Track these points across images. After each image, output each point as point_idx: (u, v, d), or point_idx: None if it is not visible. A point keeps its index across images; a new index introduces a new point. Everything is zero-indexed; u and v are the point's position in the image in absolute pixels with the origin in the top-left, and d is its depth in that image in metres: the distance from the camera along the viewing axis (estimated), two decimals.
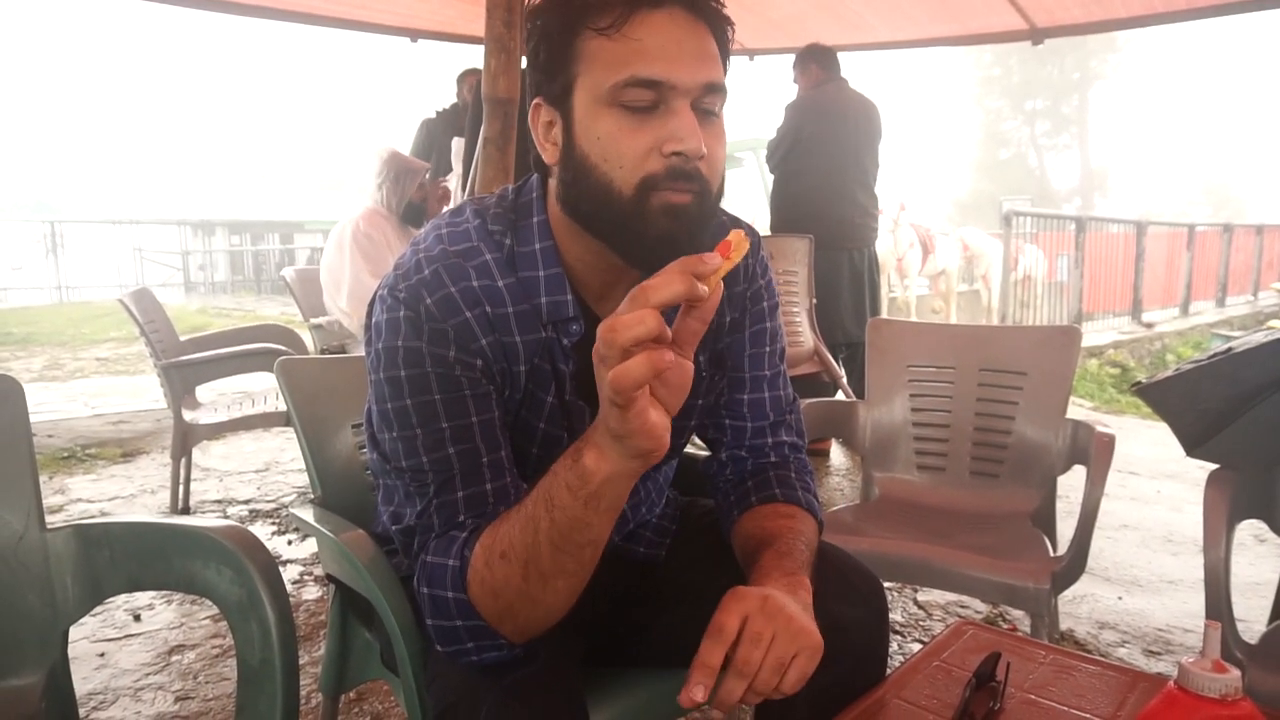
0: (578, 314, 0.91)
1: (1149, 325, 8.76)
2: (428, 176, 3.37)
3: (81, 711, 1.81)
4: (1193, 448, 1.43)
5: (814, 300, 3.71)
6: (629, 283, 0.94)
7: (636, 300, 0.66)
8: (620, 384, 0.65)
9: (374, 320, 0.89)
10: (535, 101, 0.87)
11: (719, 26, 0.84)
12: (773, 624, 0.76)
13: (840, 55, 4.05)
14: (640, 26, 0.79)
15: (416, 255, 0.89)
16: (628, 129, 0.80)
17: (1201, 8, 3.78)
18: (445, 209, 1.00)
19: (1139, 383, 1.41)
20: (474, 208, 0.94)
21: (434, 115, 4.66)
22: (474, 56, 4.90)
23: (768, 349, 1.08)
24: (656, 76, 0.79)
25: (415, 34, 4.78)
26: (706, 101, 0.82)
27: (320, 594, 2.45)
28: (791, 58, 4.03)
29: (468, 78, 4.53)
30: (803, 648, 0.76)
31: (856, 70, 3.92)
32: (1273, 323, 8.69)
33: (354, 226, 3.18)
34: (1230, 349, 1.32)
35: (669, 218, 0.81)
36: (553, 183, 0.89)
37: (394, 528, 0.90)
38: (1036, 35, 4.24)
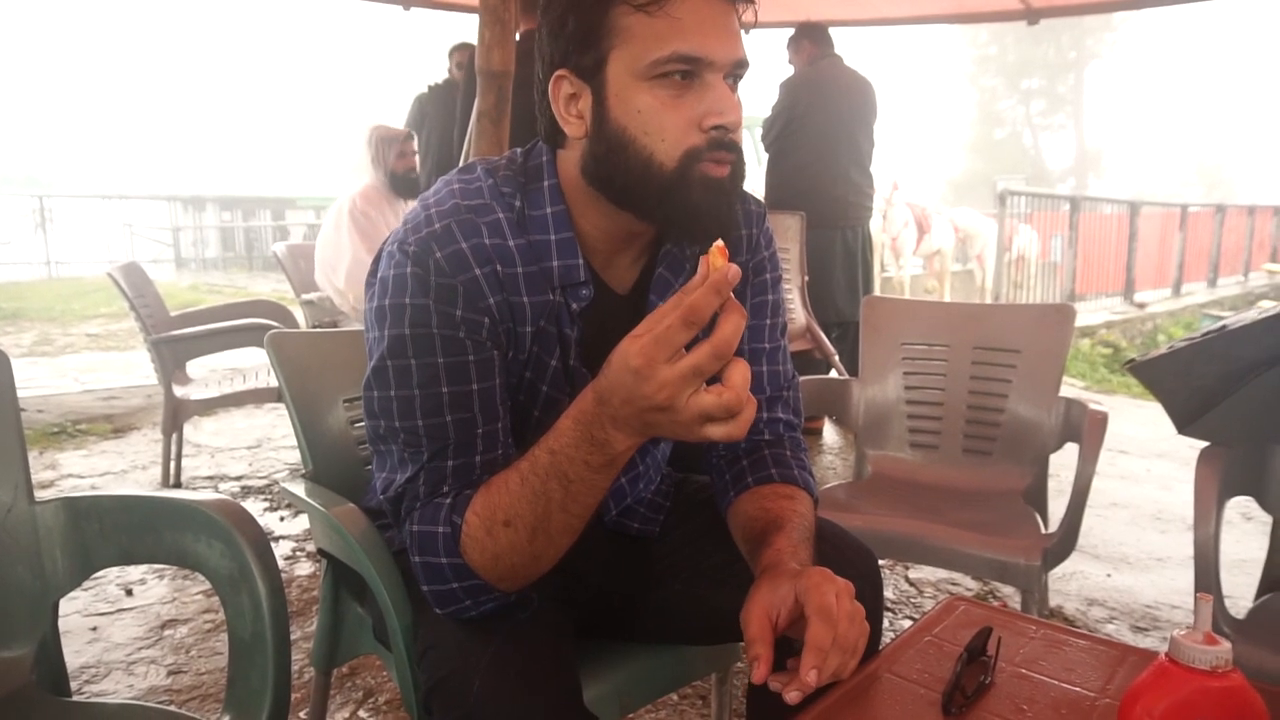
0: (588, 278, 0.91)
1: (1141, 306, 8.78)
2: (411, 143, 3.33)
3: (74, 685, 1.80)
4: (1184, 425, 1.44)
5: (806, 277, 3.70)
6: (636, 250, 0.95)
7: (692, 322, 0.68)
8: (748, 379, 0.71)
9: (380, 275, 0.88)
10: (558, 74, 0.86)
11: (750, 25, 0.86)
12: (855, 605, 0.79)
13: (836, 32, 4.02)
14: (680, 4, 0.81)
15: (427, 210, 0.89)
16: (667, 103, 0.82)
17: None
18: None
19: (1132, 360, 1.41)
20: (484, 167, 0.93)
21: (426, 91, 4.61)
22: (467, 25, 4.84)
23: (768, 321, 1.07)
24: (696, 53, 0.81)
25: (408, 1, 4.72)
26: (734, 77, 0.85)
27: (312, 570, 2.45)
28: (788, 32, 4.00)
29: (457, 52, 4.48)
30: (864, 631, 0.79)
31: (852, 48, 3.88)
32: (1263, 303, 8.71)
33: (351, 204, 3.16)
34: (1224, 327, 1.32)
35: (710, 191, 0.84)
36: (568, 153, 0.90)
37: (383, 495, 0.90)
38: (1031, 15, 4.22)
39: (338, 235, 3.15)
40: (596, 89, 0.84)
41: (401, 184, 3.29)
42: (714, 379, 0.71)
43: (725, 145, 0.84)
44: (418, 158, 3.41)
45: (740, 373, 0.71)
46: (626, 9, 0.81)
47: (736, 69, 0.85)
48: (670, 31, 0.80)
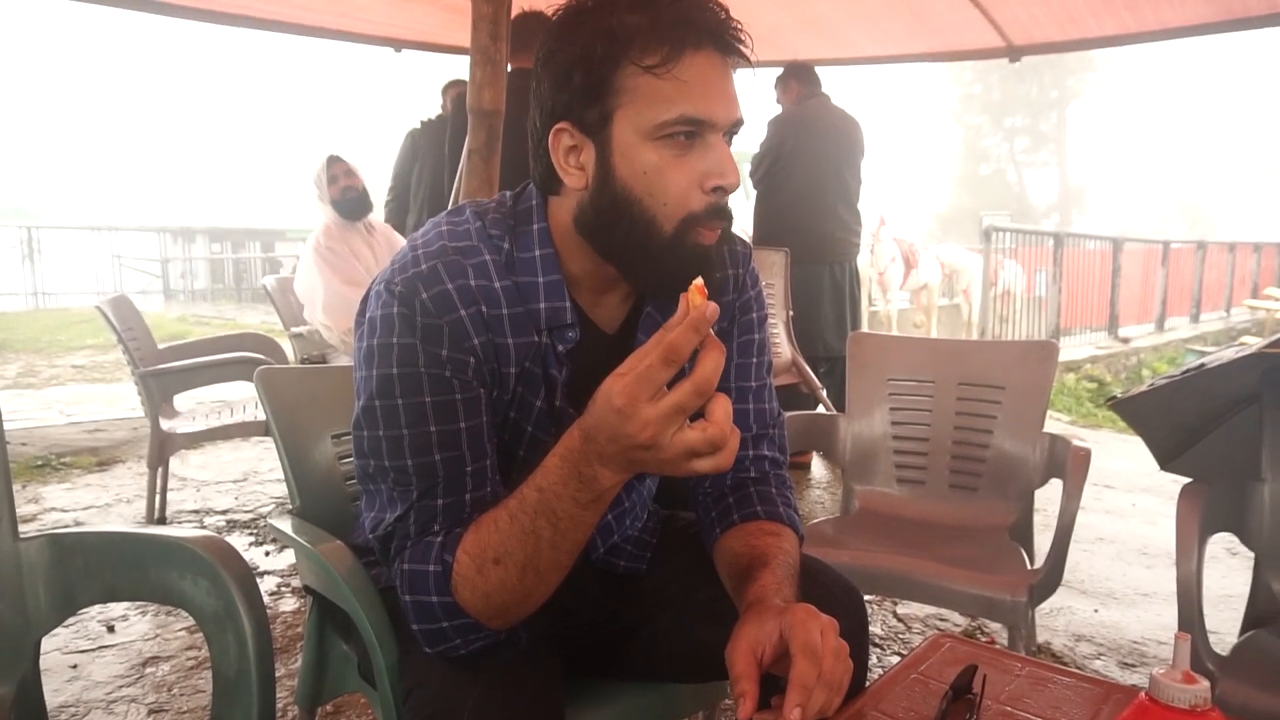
0: (575, 320, 0.93)
1: (1125, 340, 8.87)
2: (338, 165, 3.30)
3: None
4: (1166, 461, 1.46)
5: (791, 312, 3.74)
6: (624, 289, 0.96)
7: (672, 360, 0.70)
8: (730, 413, 0.72)
9: (368, 315, 0.89)
10: (560, 126, 0.87)
11: (739, 68, 0.89)
12: (839, 642, 0.79)
13: (823, 70, 4.10)
14: (687, 68, 0.83)
15: (414, 250, 0.90)
16: (671, 162, 0.84)
17: (1172, 29, 3.87)
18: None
19: (1114, 397, 1.43)
20: (473, 210, 0.95)
21: (419, 125, 4.64)
22: (458, 67, 4.91)
23: (754, 360, 1.09)
24: (701, 116, 0.83)
25: (399, 44, 4.78)
26: (730, 134, 0.88)
27: (297, 606, 2.43)
28: (776, 71, 4.08)
29: (452, 89, 4.52)
30: (848, 668, 0.79)
31: (839, 86, 3.98)
32: (1246, 339, 8.81)
33: (315, 243, 3.21)
34: (1203, 365, 1.34)
35: (698, 257, 0.86)
36: (562, 200, 0.91)
37: (373, 534, 0.90)
38: (1014, 53, 4.31)
39: (310, 274, 3.19)
40: (600, 145, 0.85)
41: (344, 208, 3.24)
42: (697, 414, 0.72)
43: (721, 212, 0.87)
44: (358, 176, 3.32)
45: (722, 407, 0.72)
46: (635, 69, 0.83)
47: (734, 128, 0.88)
48: (677, 94, 0.82)
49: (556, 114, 0.87)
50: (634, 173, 0.84)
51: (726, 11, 0.85)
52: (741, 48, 0.86)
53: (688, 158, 0.85)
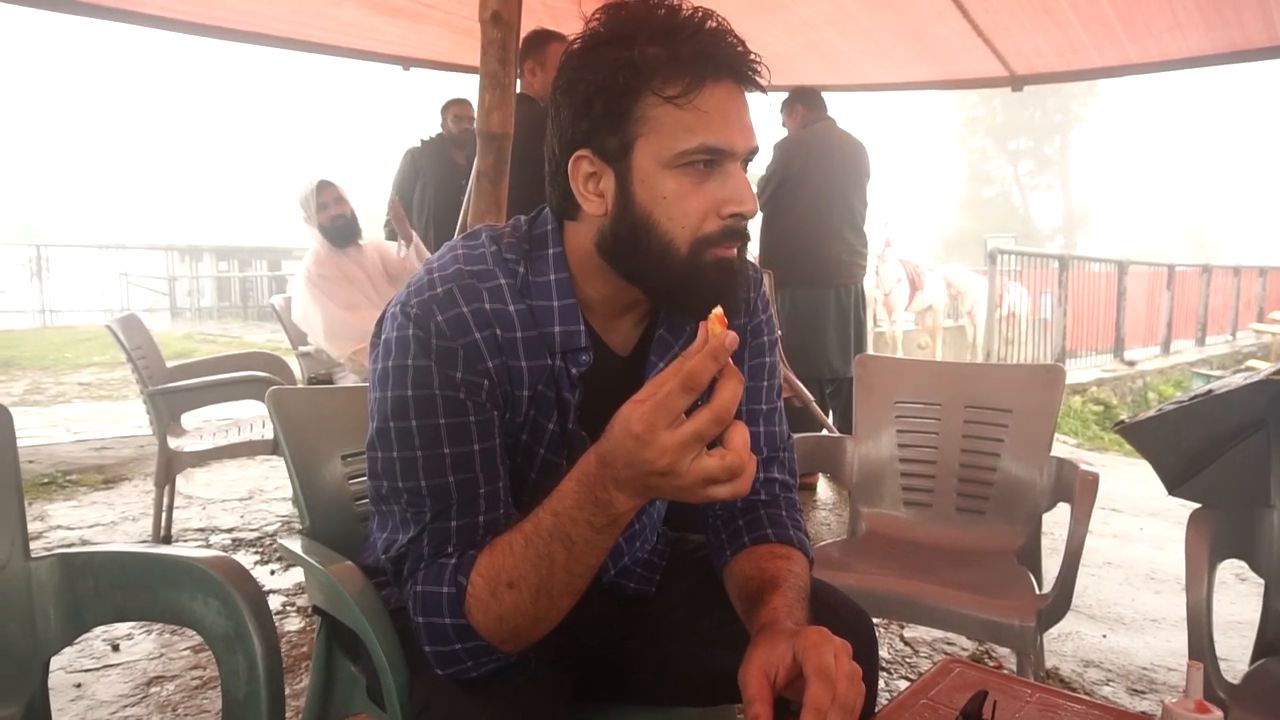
0: (589, 344, 0.93)
1: (1131, 363, 8.85)
2: (330, 192, 3.30)
3: None
4: (1174, 487, 1.45)
5: (779, 331, 3.76)
6: (638, 313, 0.97)
7: (690, 388, 0.70)
8: (748, 441, 0.73)
9: (384, 337, 0.90)
10: (579, 153, 0.88)
11: (753, 95, 0.90)
12: (853, 665, 0.79)
13: (828, 94, 4.13)
14: (708, 98, 0.84)
15: (430, 274, 0.91)
16: (690, 189, 0.86)
17: (1174, 60, 3.90)
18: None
19: (1121, 422, 1.43)
20: (490, 233, 0.96)
21: (419, 144, 4.67)
22: (465, 85, 4.95)
23: (765, 383, 1.09)
24: (721, 145, 0.85)
25: (407, 62, 4.83)
26: (745, 161, 0.89)
27: (303, 625, 2.43)
28: (782, 95, 4.11)
29: (451, 108, 4.56)
30: (862, 691, 0.78)
31: (844, 109, 4.01)
32: (1252, 363, 8.80)
33: (307, 272, 3.25)
34: (1210, 390, 1.35)
35: (721, 272, 0.88)
36: (580, 225, 0.92)
37: (384, 555, 0.90)
38: (1016, 82, 4.35)
39: (306, 303, 3.24)
40: (620, 172, 0.86)
41: (333, 234, 3.26)
42: (714, 441, 0.72)
43: (737, 233, 0.88)
44: (347, 203, 3.30)
45: (740, 435, 0.72)
46: (656, 100, 0.84)
47: (750, 155, 0.89)
48: (697, 124, 0.84)
49: (576, 141, 0.88)
50: (654, 199, 0.86)
51: (743, 43, 0.87)
52: (758, 78, 0.88)
53: (706, 185, 0.86)
